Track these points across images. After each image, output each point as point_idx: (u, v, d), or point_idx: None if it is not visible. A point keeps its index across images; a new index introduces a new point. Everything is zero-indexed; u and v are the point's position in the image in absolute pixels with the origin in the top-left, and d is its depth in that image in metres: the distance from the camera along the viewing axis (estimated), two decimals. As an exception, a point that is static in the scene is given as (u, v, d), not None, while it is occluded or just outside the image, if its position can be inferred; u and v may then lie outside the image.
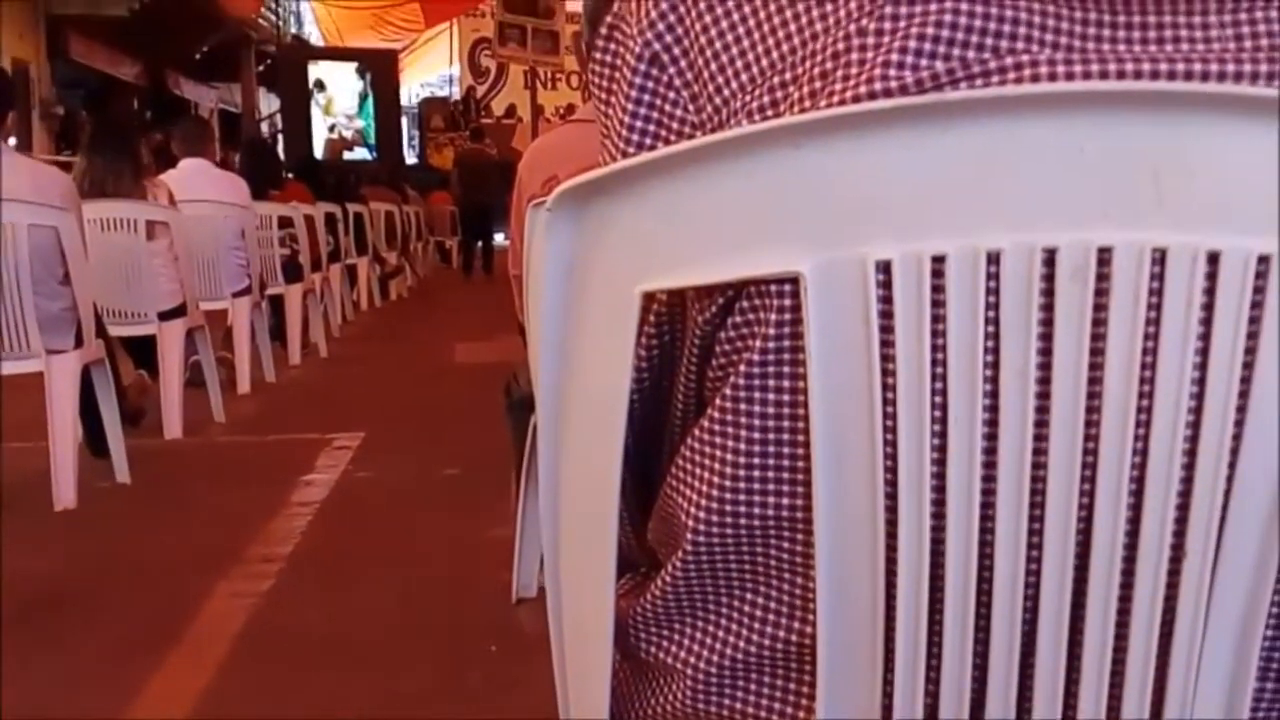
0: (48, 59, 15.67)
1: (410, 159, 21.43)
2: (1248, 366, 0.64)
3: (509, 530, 2.94)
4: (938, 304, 0.64)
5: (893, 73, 0.66)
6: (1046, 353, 0.65)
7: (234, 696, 2.48)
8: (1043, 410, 0.65)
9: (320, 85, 21.15)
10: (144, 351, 5.11)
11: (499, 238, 13.95)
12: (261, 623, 2.90)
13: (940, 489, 0.66)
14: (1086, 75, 0.65)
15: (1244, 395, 0.64)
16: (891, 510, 0.67)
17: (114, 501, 4.03)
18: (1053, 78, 0.65)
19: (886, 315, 0.65)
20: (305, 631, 2.84)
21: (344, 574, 3.31)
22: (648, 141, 0.75)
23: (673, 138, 0.74)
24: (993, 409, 0.65)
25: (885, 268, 0.64)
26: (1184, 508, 0.66)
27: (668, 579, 0.76)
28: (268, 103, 22.65)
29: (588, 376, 0.75)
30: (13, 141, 4.41)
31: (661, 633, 0.78)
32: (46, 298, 3.80)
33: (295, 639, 2.79)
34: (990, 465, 0.66)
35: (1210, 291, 0.63)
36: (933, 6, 0.66)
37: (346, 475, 4.46)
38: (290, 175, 9.43)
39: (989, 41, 0.65)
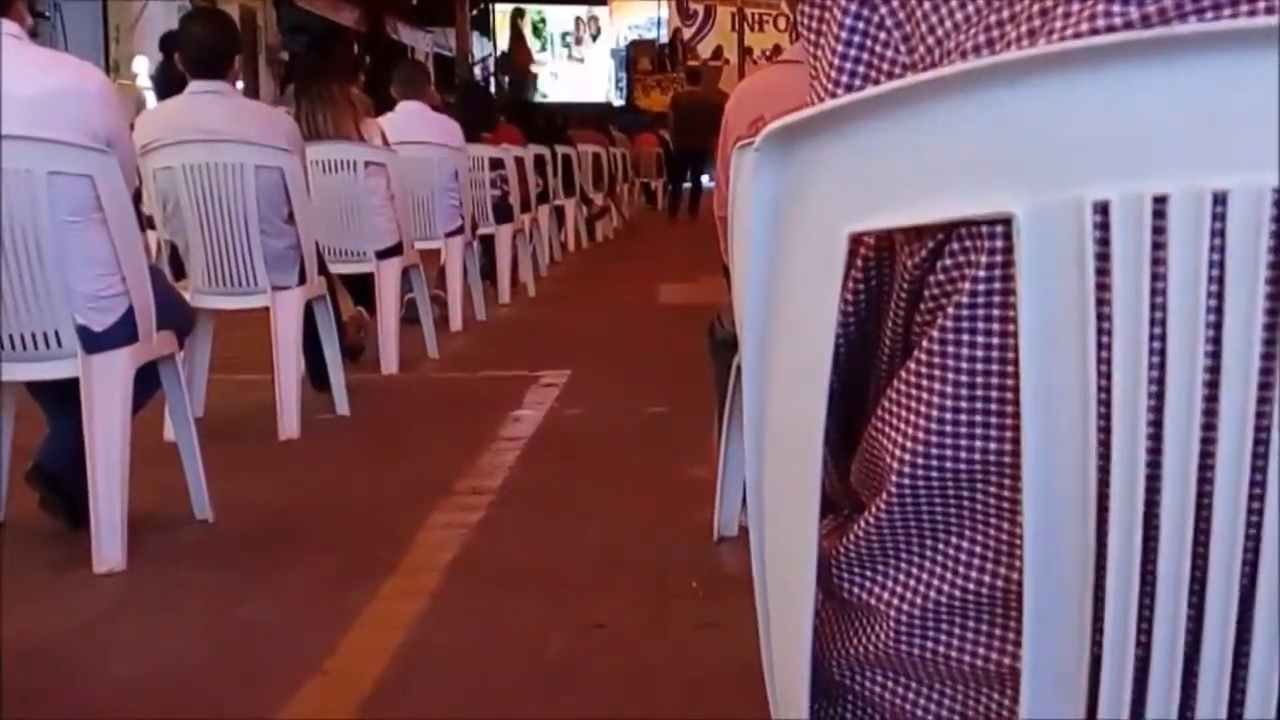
0: (274, 6, 16.25)
1: (618, 101, 21.63)
2: None
3: (711, 469, 2.96)
4: (1158, 247, 0.62)
5: (1117, 9, 0.64)
6: (1274, 298, 0.62)
7: (444, 623, 2.58)
8: (1268, 358, 0.63)
9: (535, 30, 21.60)
10: (362, 289, 5.30)
11: (707, 180, 13.97)
12: (471, 553, 3.00)
13: (1157, 438, 0.64)
14: (1329, 6, 0.61)
15: None
16: (1104, 458, 0.65)
17: (334, 433, 4.21)
18: (1291, 9, 0.62)
19: (1103, 258, 0.63)
20: (513, 563, 2.93)
21: (550, 508, 3.39)
22: (857, 83, 0.74)
23: (883, 78, 0.73)
24: (1215, 356, 0.63)
25: (1103, 209, 0.63)
26: None
27: (871, 520, 0.76)
28: (480, 46, 23.08)
29: (794, 318, 0.75)
30: (240, 86, 4.60)
31: (865, 573, 0.78)
32: (272, 236, 3.96)
33: (503, 570, 2.88)
34: (1211, 414, 0.64)
35: None
36: (1161, -63, 0.63)
37: (554, 412, 4.55)
38: (502, 118, 9.61)
39: (1222, -28, 0.63)
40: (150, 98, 9.65)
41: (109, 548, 2.79)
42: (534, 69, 22.23)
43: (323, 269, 4.34)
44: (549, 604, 2.66)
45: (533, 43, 22.47)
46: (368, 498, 3.50)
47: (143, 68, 11.33)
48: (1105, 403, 0.65)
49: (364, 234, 5.05)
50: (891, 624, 0.77)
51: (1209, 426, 0.64)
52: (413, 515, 3.26)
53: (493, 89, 20.02)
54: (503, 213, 7.49)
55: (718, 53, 20.68)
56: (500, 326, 6.81)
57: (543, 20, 22.76)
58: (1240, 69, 0.60)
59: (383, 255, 5.12)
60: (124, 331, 2.86)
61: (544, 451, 4.00)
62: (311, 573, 2.88)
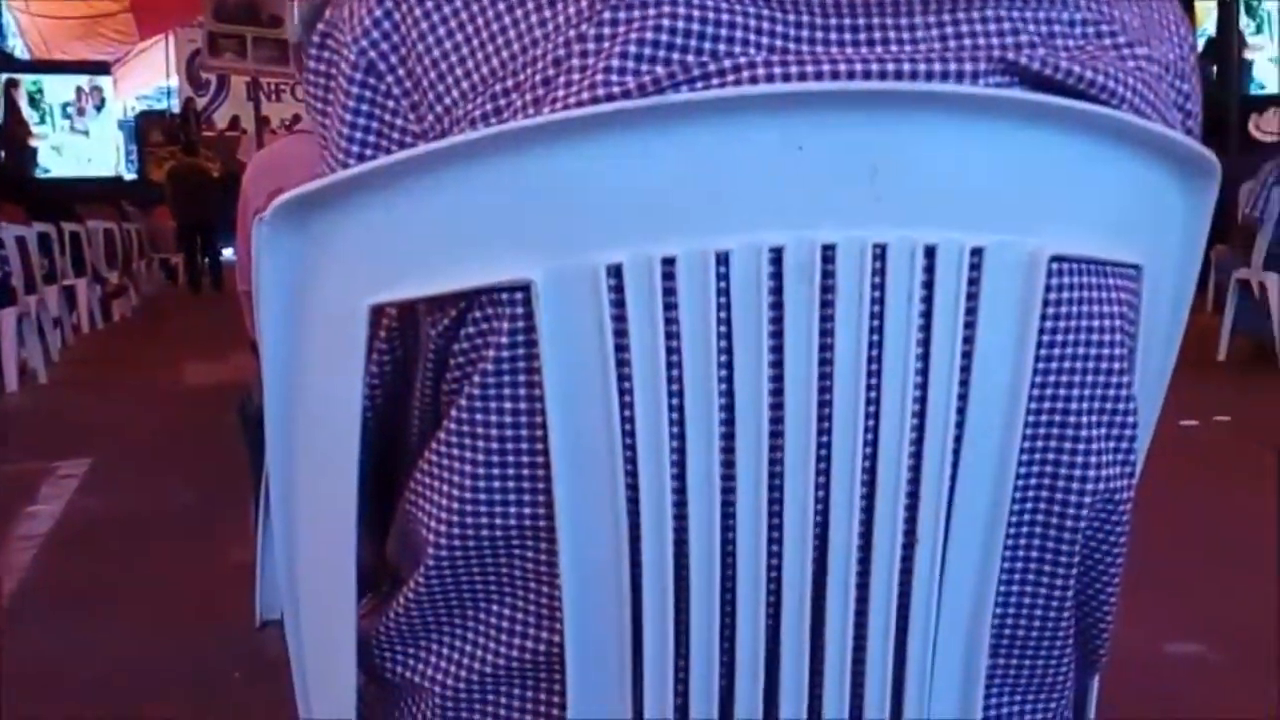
0: None
1: (129, 174, 20.62)
2: (967, 357, 0.67)
3: (249, 552, 2.84)
4: (670, 307, 0.65)
5: (614, 78, 0.66)
6: (779, 350, 0.66)
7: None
8: (777, 408, 0.66)
9: (32, 101, 20.22)
10: None
11: (228, 252, 13.52)
12: (-16, 670, 2.72)
13: (681, 492, 0.66)
14: (802, 76, 0.66)
15: (965, 385, 0.67)
16: (634, 515, 0.67)
17: None
18: (770, 79, 0.66)
19: (620, 319, 0.65)
20: (37, 674, 2.68)
21: (76, 609, 3.14)
22: (368, 152, 0.72)
23: (394, 148, 0.72)
24: (729, 409, 0.66)
25: (616, 272, 0.64)
26: (914, 496, 0.68)
27: (410, 595, 0.74)
28: (-36, 120, 21.31)
29: (318, 395, 0.72)
30: None
31: (407, 651, 0.76)
32: None
33: (26, 683, 2.63)
34: (729, 465, 0.66)
35: (930, 285, 0.66)
36: (650, 12, 0.66)
37: (73, 504, 4.24)
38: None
39: (707, 45, 0.66)
40: None
41: None
42: (33, 143, 20.76)
43: None
44: (82, 714, 2.45)
45: (30, 114, 20.99)
46: None
47: None
48: (632, 460, 0.66)
49: None
50: (437, 700, 0.75)
51: (728, 477, 0.67)
52: (-90, 635, 2.92)
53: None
54: (4, 295, 6.94)
55: (235, 123, 20.10)
56: (8, 417, 6.27)
57: (39, 90, 21.33)
58: (730, 134, 0.63)
59: None
60: None
61: (65, 549, 3.71)
62: None
